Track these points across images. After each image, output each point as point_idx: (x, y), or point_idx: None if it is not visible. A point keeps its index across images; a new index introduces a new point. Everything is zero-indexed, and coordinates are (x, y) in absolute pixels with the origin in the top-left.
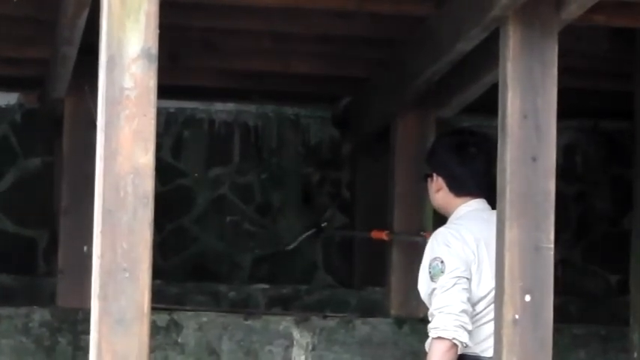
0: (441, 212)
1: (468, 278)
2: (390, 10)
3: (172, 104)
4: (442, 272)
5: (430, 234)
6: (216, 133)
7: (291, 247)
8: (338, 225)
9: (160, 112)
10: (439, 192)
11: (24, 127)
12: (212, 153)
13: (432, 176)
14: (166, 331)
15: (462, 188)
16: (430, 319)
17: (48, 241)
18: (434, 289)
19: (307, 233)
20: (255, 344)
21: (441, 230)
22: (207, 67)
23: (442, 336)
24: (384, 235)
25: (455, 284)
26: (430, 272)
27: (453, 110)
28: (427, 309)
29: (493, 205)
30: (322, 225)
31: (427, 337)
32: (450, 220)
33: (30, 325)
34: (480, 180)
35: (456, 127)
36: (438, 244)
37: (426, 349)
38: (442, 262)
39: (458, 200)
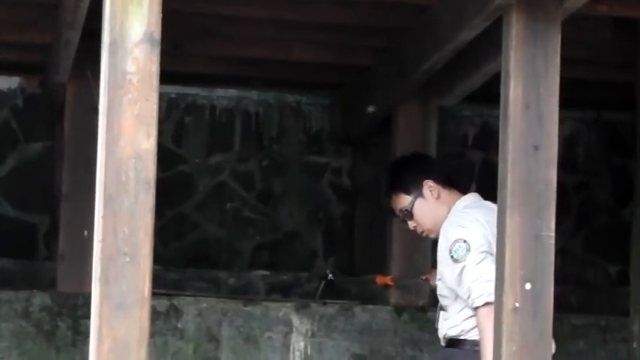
0: (437, 229)
1: (492, 254)
2: None
3: (174, 90)
4: (468, 251)
5: (431, 276)
6: (218, 120)
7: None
8: (338, 213)
9: (162, 98)
10: (439, 197)
11: (25, 111)
12: (213, 139)
13: (421, 193)
14: (166, 316)
15: (452, 179)
16: (468, 294)
17: (48, 226)
18: (463, 267)
19: (321, 287)
20: (255, 330)
21: (451, 219)
22: (209, 53)
23: (489, 301)
24: (388, 280)
25: (485, 257)
26: (453, 256)
27: (454, 99)
28: (426, 298)
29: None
30: (329, 277)
31: (426, 325)
32: (451, 213)
33: (30, 309)
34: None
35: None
36: (454, 229)
37: (440, 335)
38: (465, 241)
39: (452, 196)
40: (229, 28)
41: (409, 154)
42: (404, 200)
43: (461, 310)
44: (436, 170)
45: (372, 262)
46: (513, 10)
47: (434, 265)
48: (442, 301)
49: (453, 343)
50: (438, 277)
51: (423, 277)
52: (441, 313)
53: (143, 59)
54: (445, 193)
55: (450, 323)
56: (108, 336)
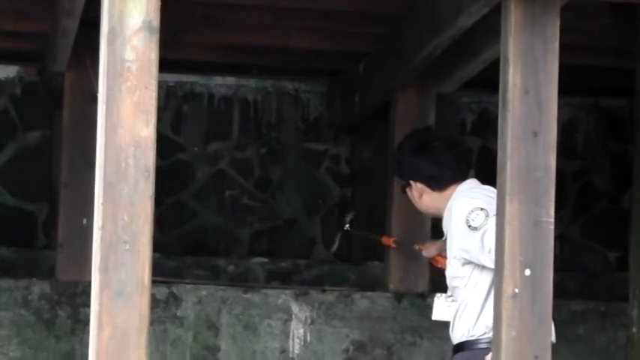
0: (431, 215)
1: None
2: None
3: (172, 78)
4: (487, 216)
5: (424, 246)
6: (216, 108)
7: (334, 248)
8: (336, 200)
9: (160, 86)
10: (423, 196)
11: (24, 100)
12: (211, 127)
13: (409, 185)
14: (165, 304)
15: (442, 182)
16: (489, 255)
17: (48, 214)
18: (485, 232)
19: (337, 238)
20: (254, 318)
21: (458, 199)
22: (207, 41)
23: None
24: (391, 242)
25: None
26: (471, 225)
27: (453, 85)
28: (425, 285)
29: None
30: (345, 228)
31: (426, 312)
32: (455, 195)
33: (29, 298)
34: (454, 168)
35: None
36: (466, 203)
37: (457, 334)
38: (482, 209)
39: (444, 194)
40: (227, 15)
41: (412, 146)
42: (400, 182)
43: (483, 299)
44: (418, 175)
45: (371, 248)
46: None
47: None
48: (453, 283)
49: (468, 345)
50: (453, 254)
51: (417, 247)
52: (445, 301)
53: (142, 47)
54: (429, 196)
55: (472, 319)
56: (108, 324)
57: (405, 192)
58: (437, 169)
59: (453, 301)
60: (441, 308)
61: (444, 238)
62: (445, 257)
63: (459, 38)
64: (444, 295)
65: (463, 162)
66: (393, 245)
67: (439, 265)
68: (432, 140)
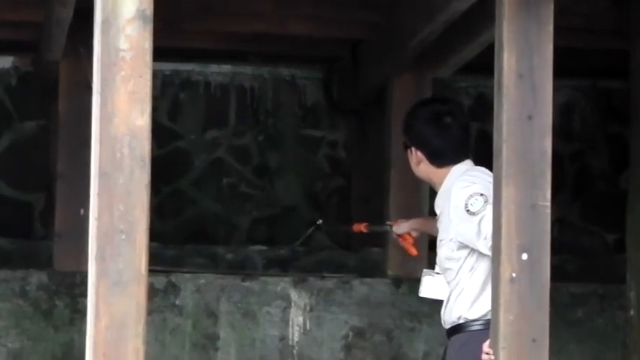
0: (425, 181)
1: None
2: None
3: (168, 66)
4: (486, 202)
5: (395, 222)
6: (213, 96)
7: (299, 242)
8: (334, 186)
9: (156, 75)
10: (420, 164)
11: (19, 90)
12: (208, 115)
13: (410, 148)
14: (164, 293)
15: (442, 159)
16: (485, 241)
17: (44, 205)
18: (482, 217)
19: (308, 232)
20: (253, 305)
21: (457, 182)
22: (203, 28)
23: None
24: (362, 228)
25: None
26: (470, 210)
27: (449, 70)
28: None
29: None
30: (318, 222)
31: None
32: (451, 177)
33: (27, 288)
34: (458, 148)
35: (427, 97)
36: (466, 187)
37: (452, 317)
38: (481, 194)
39: (440, 170)
40: (223, 2)
41: (425, 115)
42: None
43: (481, 283)
44: (421, 144)
45: (369, 234)
46: None
47: None
48: (445, 265)
49: (464, 326)
50: (450, 237)
51: (388, 223)
52: (434, 277)
53: (136, 36)
54: (425, 167)
55: (469, 302)
56: (105, 313)
57: (405, 150)
58: (442, 146)
59: (441, 278)
60: (429, 285)
61: (437, 218)
62: (413, 237)
63: (455, 23)
64: (432, 271)
65: (468, 144)
66: (365, 230)
67: (405, 245)
68: (447, 115)
